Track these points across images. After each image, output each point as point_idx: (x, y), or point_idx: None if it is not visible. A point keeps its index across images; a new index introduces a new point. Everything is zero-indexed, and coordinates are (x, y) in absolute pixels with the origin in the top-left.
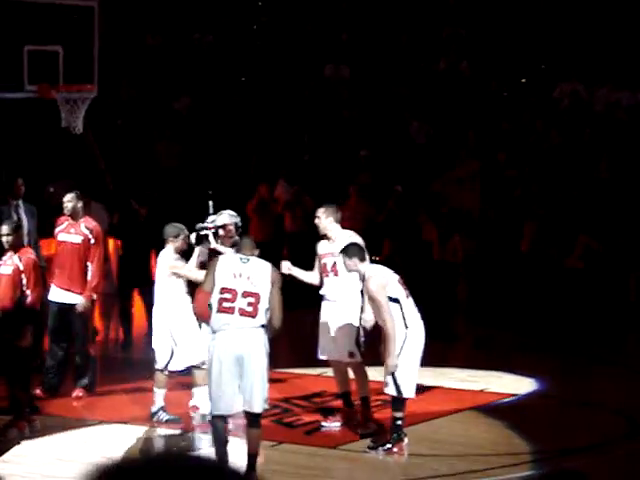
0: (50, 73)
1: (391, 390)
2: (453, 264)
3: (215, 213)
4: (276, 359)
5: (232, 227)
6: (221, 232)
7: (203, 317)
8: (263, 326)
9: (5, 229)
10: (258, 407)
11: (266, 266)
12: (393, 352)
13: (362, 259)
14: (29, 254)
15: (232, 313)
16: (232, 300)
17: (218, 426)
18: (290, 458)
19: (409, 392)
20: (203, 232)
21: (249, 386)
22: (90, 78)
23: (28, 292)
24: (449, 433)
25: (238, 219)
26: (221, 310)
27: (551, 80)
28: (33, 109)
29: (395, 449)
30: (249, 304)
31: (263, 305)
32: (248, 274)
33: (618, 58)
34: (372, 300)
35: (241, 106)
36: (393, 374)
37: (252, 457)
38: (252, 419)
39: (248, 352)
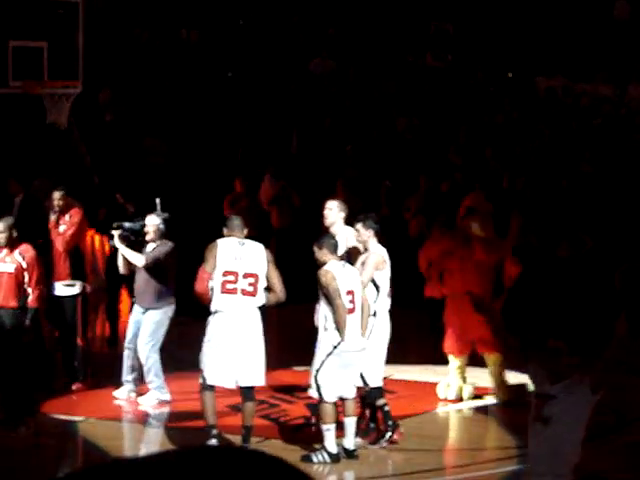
0: (35, 69)
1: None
2: None
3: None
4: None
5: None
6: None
7: (204, 297)
8: (260, 307)
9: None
10: (254, 381)
11: (260, 247)
12: (364, 325)
13: (376, 234)
14: (31, 251)
15: (235, 294)
16: (234, 282)
17: (209, 394)
18: (277, 454)
19: (375, 381)
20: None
21: (245, 362)
22: (75, 74)
23: (29, 290)
24: (436, 428)
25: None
26: (225, 291)
27: (537, 74)
28: (18, 105)
29: (395, 436)
30: (250, 284)
31: (262, 284)
32: (247, 256)
33: (604, 53)
34: (362, 269)
35: (227, 101)
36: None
37: (247, 429)
38: (247, 393)
39: (247, 333)
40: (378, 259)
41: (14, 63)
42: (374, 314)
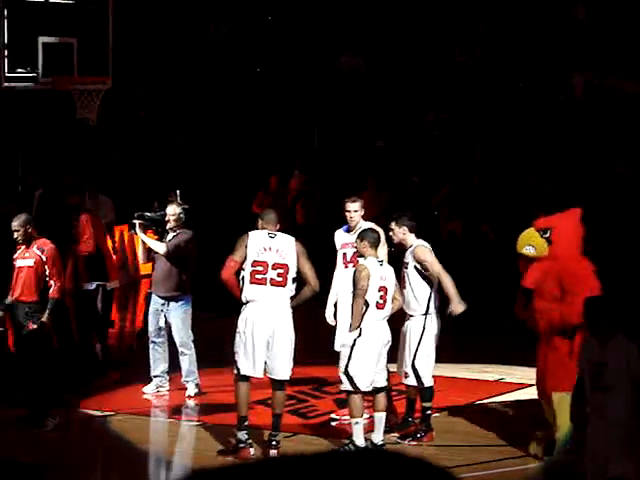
0: (65, 65)
1: (412, 381)
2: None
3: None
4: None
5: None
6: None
7: (229, 283)
8: (290, 298)
9: (14, 224)
10: (284, 375)
11: (291, 240)
12: (454, 294)
13: (412, 230)
14: (49, 244)
15: (264, 284)
16: (264, 272)
17: (243, 385)
18: (305, 449)
19: (429, 380)
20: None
21: (276, 355)
22: (105, 70)
23: (52, 282)
24: (464, 424)
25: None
26: (254, 282)
27: (567, 70)
28: (48, 101)
29: (425, 439)
30: (279, 275)
31: (291, 275)
32: (277, 247)
33: (634, 48)
34: (421, 263)
35: (256, 96)
36: (414, 365)
37: (277, 417)
38: (278, 384)
39: (278, 324)
40: (426, 251)
41: (44, 59)
42: (425, 313)
